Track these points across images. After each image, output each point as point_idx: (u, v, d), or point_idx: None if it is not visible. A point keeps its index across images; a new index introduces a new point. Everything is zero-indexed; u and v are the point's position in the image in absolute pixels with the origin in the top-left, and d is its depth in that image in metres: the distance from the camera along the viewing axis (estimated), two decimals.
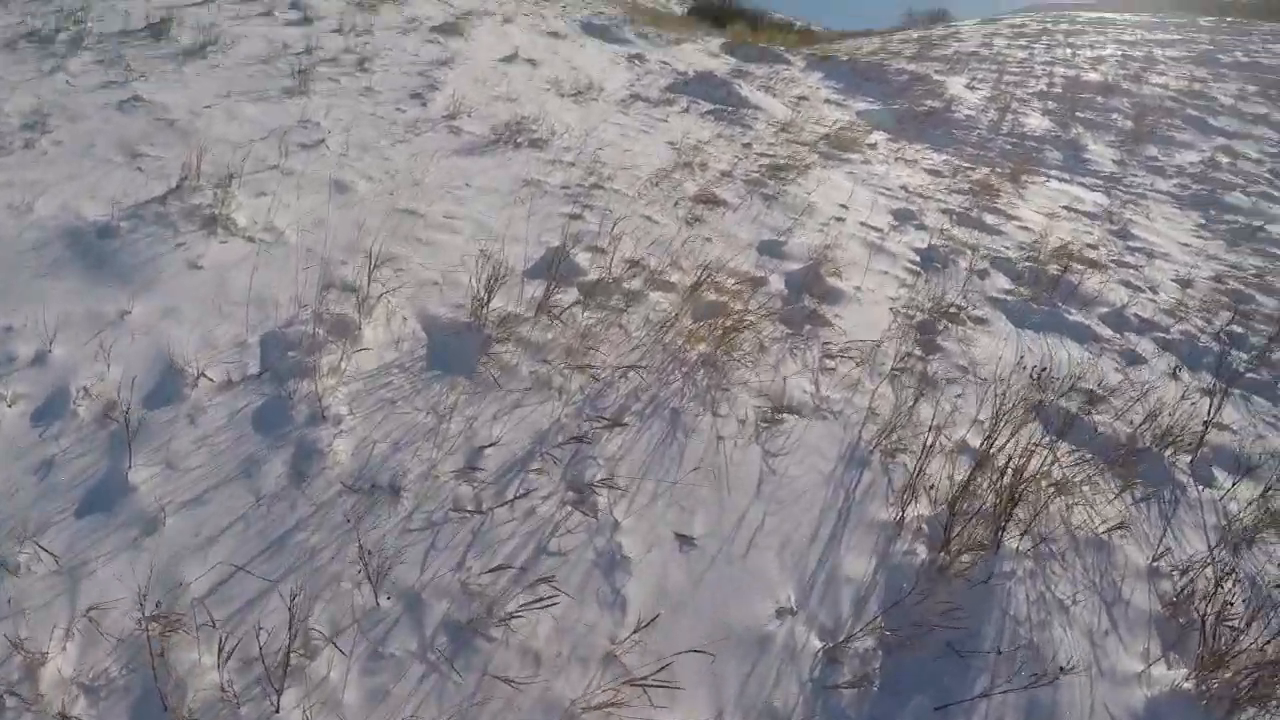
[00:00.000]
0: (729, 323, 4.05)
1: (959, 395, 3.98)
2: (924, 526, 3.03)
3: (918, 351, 4.30)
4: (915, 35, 22.00)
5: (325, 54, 7.44)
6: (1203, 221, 7.98)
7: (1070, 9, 24.91)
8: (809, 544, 2.90)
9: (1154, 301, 5.61)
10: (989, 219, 6.76)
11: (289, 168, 5.01)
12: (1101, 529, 3.18)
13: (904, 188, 7.31)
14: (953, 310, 4.80)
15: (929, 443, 3.29)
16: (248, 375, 3.20)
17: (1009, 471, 3.01)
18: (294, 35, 7.80)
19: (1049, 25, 20.28)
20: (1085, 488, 3.39)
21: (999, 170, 8.55)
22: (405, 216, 4.69)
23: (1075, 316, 5.07)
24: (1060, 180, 8.79)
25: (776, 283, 4.80)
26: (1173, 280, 6.15)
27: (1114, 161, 9.72)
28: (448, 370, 3.44)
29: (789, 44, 17.25)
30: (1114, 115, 11.67)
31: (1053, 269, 5.64)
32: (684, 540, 2.81)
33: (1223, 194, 8.88)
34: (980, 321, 4.81)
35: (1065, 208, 7.63)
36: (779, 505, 3.05)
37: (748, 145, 7.80)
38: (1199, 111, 12.13)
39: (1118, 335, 5.00)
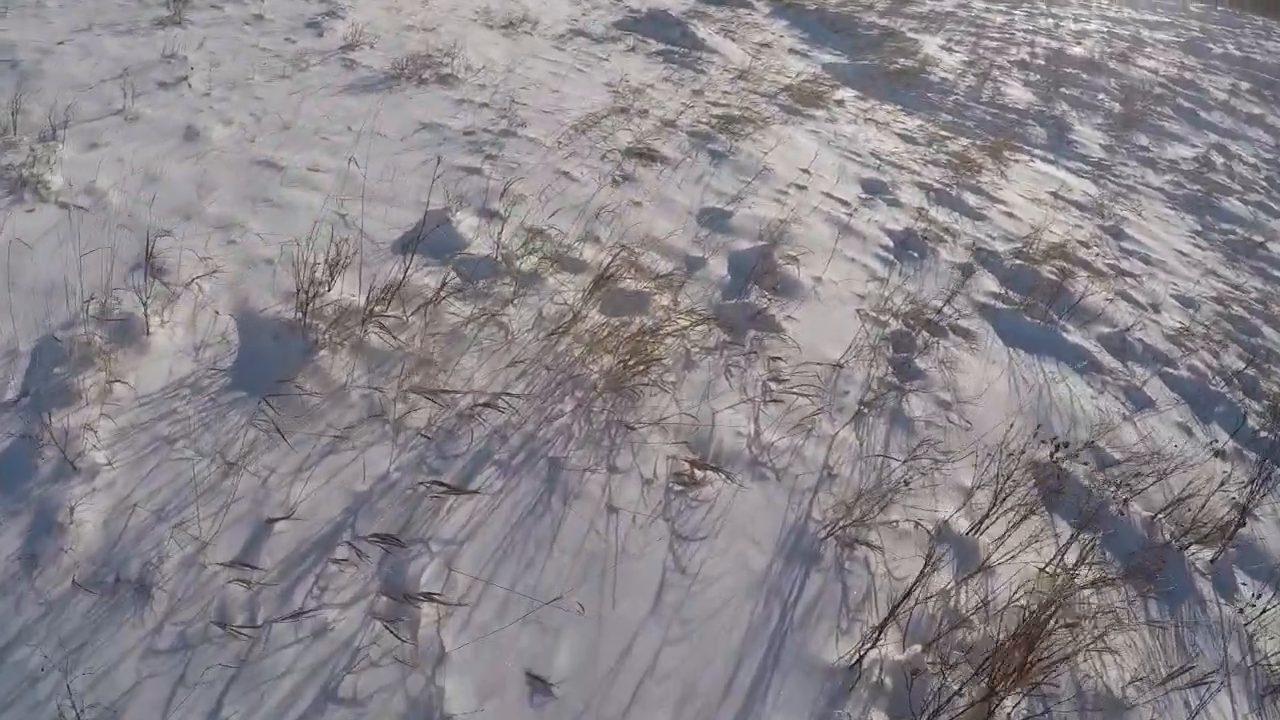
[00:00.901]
0: (648, 325, 3.06)
1: (943, 451, 3.01)
2: (886, 680, 2.10)
3: (891, 377, 3.34)
4: None
5: None
6: (1199, 229, 7.13)
7: None
8: (719, 700, 1.98)
9: (1157, 323, 4.72)
10: (971, 200, 5.78)
11: (135, 112, 4.07)
12: (1118, 685, 2.33)
13: (874, 154, 6.26)
14: (934, 319, 3.83)
15: (913, 584, 2.28)
16: (3, 401, 2.29)
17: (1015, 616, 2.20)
18: None
19: None
20: (1098, 615, 2.49)
21: (979, 143, 7.55)
22: (260, 169, 3.75)
23: (1074, 337, 4.15)
24: (1045, 161, 7.84)
25: (718, 266, 3.80)
26: (1174, 298, 5.27)
27: (1102, 147, 8.81)
28: (253, 390, 2.46)
29: None
30: (1100, 96, 10.73)
31: (1047, 272, 4.69)
32: (537, 684, 1.91)
33: (1219, 199, 8.03)
34: (966, 335, 3.86)
35: (1053, 194, 6.69)
36: (684, 628, 2.12)
37: (698, 92, 6.67)
38: (1190, 104, 11.26)
39: (1121, 366, 4.10)
